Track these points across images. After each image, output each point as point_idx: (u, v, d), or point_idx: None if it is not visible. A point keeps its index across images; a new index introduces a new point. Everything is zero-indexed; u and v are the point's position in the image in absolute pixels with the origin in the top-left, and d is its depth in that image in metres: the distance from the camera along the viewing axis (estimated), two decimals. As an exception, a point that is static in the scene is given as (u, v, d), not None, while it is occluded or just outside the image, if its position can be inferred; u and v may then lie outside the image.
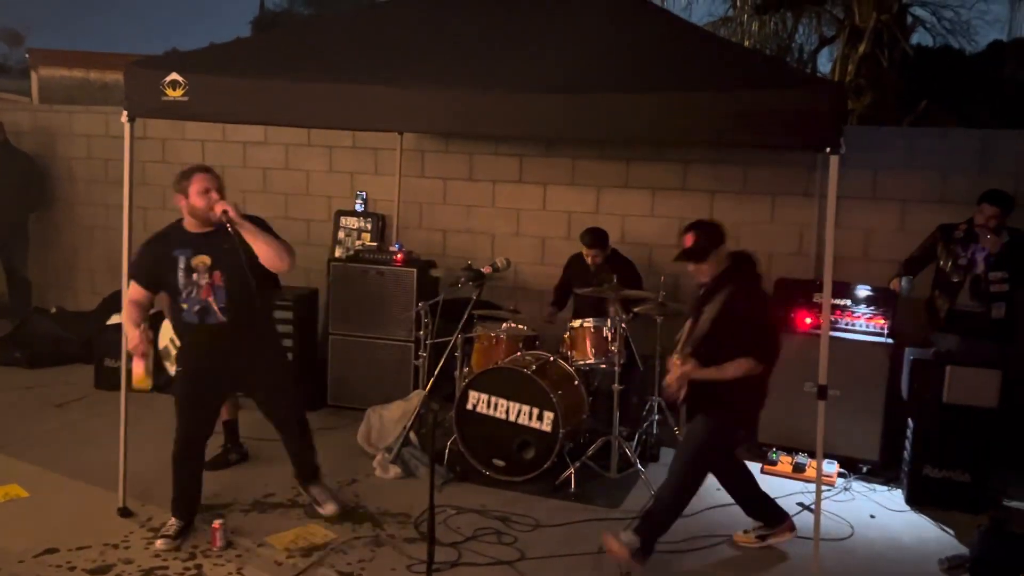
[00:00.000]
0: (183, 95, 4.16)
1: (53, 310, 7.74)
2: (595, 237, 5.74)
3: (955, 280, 5.24)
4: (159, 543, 4.10)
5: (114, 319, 6.47)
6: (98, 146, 8.23)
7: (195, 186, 3.98)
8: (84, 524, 4.27)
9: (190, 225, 4.06)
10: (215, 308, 4.00)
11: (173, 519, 4.22)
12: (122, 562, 3.97)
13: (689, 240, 4.02)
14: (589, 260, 5.75)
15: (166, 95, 4.18)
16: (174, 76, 4.16)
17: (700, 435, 4.01)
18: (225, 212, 3.90)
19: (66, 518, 4.37)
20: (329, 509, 4.43)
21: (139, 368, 4.06)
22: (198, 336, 4.09)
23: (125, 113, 4.28)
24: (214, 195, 3.97)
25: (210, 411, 4.29)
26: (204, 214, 3.98)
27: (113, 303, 6.74)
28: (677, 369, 3.94)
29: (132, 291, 4.10)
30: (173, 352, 5.20)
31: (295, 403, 4.45)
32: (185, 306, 4.03)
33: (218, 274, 4.00)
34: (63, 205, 8.45)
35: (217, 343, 4.08)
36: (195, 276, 3.99)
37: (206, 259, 4.00)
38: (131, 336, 4.04)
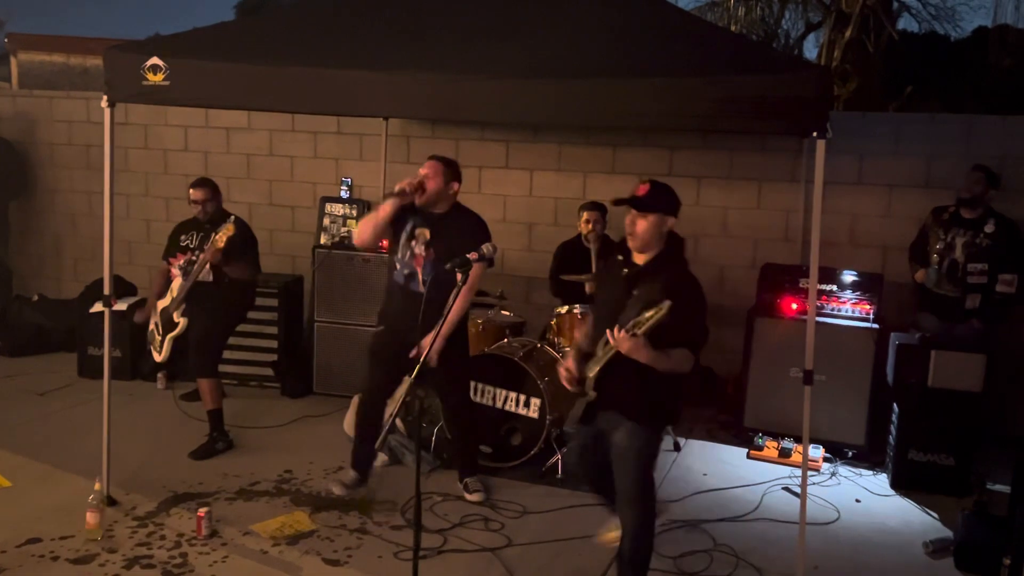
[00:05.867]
0: (164, 80, 4.10)
1: (35, 298, 7.66)
2: (596, 202, 5.70)
3: (935, 260, 5.29)
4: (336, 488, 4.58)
5: (97, 307, 6.40)
6: (79, 132, 8.13)
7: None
8: (68, 513, 4.23)
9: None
10: (420, 278, 4.38)
11: (352, 471, 4.63)
12: (106, 551, 3.94)
13: (644, 190, 3.37)
14: (589, 227, 5.63)
15: (147, 80, 4.11)
16: (155, 60, 4.10)
17: (642, 449, 3.42)
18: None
19: (49, 507, 4.33)
20: (476, 497, 4.60)
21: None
22: (397, 298, 4.47)
23: (105, 98, 4.21)
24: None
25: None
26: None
27: (96, 291, 6.67)
28: (626, 341, 3.15)
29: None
30: (157, 337, 5.15)
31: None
32: (397, 267, 4.45)
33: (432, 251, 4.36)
34: (44, 192, 8.35)
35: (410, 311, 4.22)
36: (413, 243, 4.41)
37: (426, 233, 4.39)
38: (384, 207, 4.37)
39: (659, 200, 3.35)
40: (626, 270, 3.43)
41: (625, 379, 3.33)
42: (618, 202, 3.41)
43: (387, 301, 4.59)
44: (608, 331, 3.22)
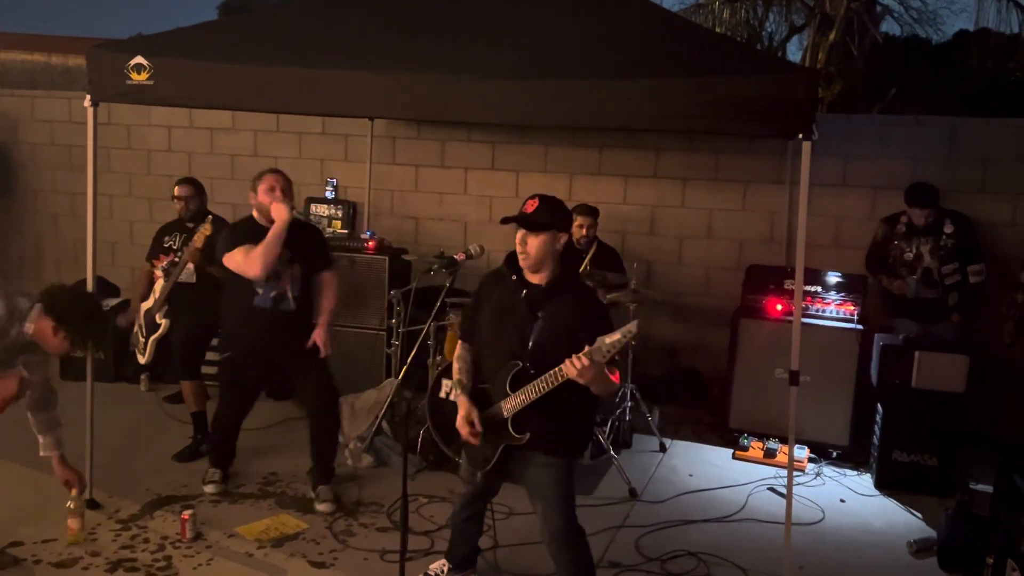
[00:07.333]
0: (148, 79, 4.07)
1: (16, 299, 7.57)
2: (589, 206, 5.68)
3: (904, 272, 5.40)
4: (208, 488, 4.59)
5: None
6: (61, 132, 8.05)
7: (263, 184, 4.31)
8: (50, 517, 4.19)
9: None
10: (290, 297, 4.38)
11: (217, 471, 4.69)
12: (89, 555, 3.91)
13: (532, 206, 3.17)
14: (583, 232, 5.62)
15: (131, 79, 4.08)
16: (139, 59, 4.06)
17: (569, 485, 3.37)
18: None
19: (31, 511, 4.29)
20: (325, 507, 4.44)
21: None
22: (260, 322, 4.37)
23: (88, 97, 4.18)
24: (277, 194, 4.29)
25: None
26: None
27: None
28: (589, 370, 2.93)
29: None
30: (141, 339, 5.11)
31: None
32: (260, 292, 4.33)
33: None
34: (25, 192, 8.27)
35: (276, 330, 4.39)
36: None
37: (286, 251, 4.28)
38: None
39: (549, 217, 3.14)
40: (525, 291, 3.21)
41: (545, 412, 3.15)
42: (505, 220, 3.20)
43: (243, 325, 4.40)
44: (569, 360, 2.93)
